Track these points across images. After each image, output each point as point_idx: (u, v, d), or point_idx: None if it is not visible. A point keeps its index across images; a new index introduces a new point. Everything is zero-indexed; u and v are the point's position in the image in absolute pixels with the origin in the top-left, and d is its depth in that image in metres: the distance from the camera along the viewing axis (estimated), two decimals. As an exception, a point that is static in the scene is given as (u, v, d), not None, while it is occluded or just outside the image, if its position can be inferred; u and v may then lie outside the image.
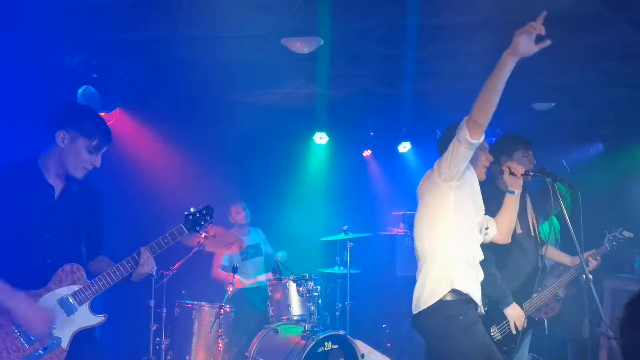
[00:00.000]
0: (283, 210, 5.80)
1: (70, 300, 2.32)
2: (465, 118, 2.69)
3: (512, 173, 2.97)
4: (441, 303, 2.78)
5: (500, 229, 3.10)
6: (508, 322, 3.32)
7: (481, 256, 2.92)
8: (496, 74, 2.56)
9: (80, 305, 2.34)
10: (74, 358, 2.35)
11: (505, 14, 3.36)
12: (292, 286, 4.43)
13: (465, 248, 2.83)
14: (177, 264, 4.29)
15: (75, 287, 2.34)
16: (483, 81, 5.00)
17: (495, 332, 3.33)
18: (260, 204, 5.35)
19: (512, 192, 3.04)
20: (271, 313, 4.49)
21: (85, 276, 2.38)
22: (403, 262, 6.16)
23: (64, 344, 2.30)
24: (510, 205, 3.08)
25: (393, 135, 6.56)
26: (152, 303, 4.37)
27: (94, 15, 3.44)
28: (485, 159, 3.00)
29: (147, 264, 2.46)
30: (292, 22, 3.56)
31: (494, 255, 3.28)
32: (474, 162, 2.90)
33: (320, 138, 6.08)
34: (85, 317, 2.37)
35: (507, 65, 2.52)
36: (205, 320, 4.36)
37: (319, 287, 4.35)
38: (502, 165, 3.37)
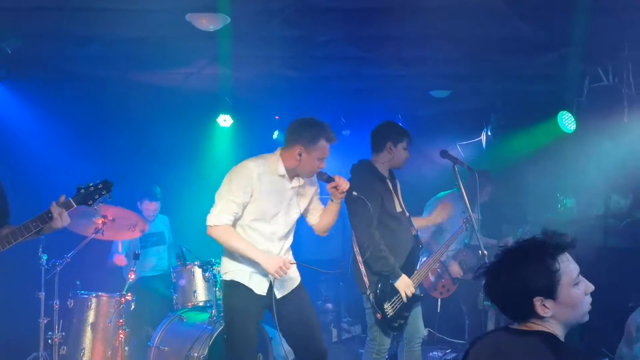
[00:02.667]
0: (187, 194, 5.61)
1: None
2: (211, 224, 3.05)
3: (335, 187, 3.14)
4: None
5: (320, 224, 3.35)
6: (398, 296, 3.49)
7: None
8: (246, 253, 3.03)
9: None
10: None
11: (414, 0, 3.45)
12: (198, 272, 4.32)
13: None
14: (71, 252, 4.00)
15: None
16: (390, 67, 5.15)
17: (388, 308, 3.50)
18: (163, 189, 5.13)
19: (332, 201, 3.25)
20: (176, 300, 4.36)
21: None
22: (310, 245, 6.23)
23: None
24: (331, 210, 3.28)
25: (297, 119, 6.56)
26: (41, 295, 4.04)
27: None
28: (319, 167, 3.14)
29: (62, 217, 2.35)
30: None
31: (383, 235, 3.46)
32: (303, 166, 3.11)
33: (225, 120, 5.94)
34: None
35: (254, 260, 3.02)
36: (104, 310, 4.12)
37: (225, 271, 4.26)
38: (386, 149, 3.62)
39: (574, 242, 1.68)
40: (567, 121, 5.32)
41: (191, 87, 5.43)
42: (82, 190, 2.48)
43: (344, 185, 3.12)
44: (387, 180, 3.65)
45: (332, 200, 3.22)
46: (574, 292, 1.66)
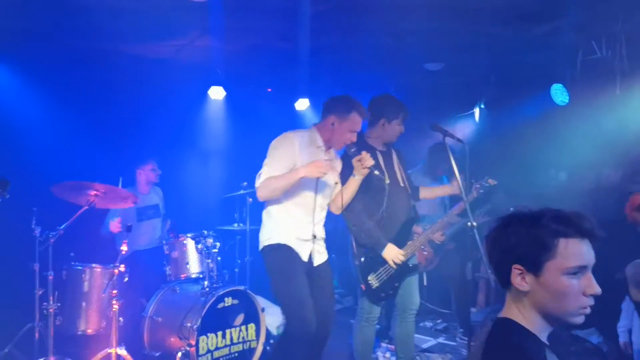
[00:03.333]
0: (179, 167, 5.61)
1: None
2: (257, 185, 3.28)
3: (359, 161, 3.31)
4: None
5: (337, 200, 3.51)
6: (385, 267, 3.54)
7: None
8: (289, 179, 3.17)
9: None
10: None
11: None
12: (190, 243, 4.34)
13: None
14: (64, 224, 4.01)
15: None
16: (383, 37, 5.11)
17: (372, 279, 3.55)
18: (157, 162, 5.12)
19: (354, 176, 3.41)
20: (169, 272, 4.38)
21: None
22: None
23: None
24: (351, 185, 3.45)
25: (290, 91, 6.54)
26: (36, 266, 4.07)
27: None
28: (350, 139, 3.36)
29: None
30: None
31: (365, 207, 3.50)
32: (336, 137, 3.36)
33: (217, 92, 5.90)
34: None
35: (298, 179, 3.16)
36: (98, 282, 4.15)
37: (218, 243, 4.30)
38: (379, 125, 3.66)
39: (592, 233, 1.54)
40: (559, 94, 5.31)
41: (183, 59, 5.38)
42: None
43: (369, 161, 3.29)
44: (378, 153, 3.66)
45: (354, 175, 3.40)
46: (565, 281, 1.51)
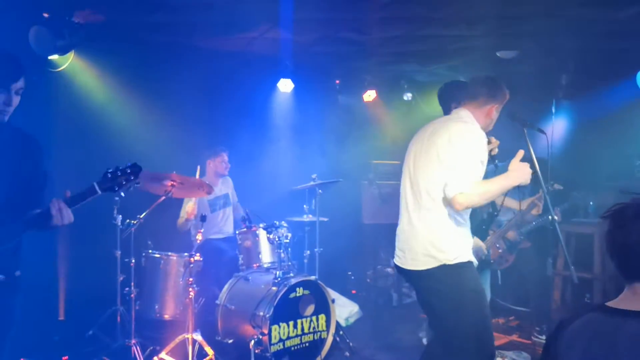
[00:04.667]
0: (249, 158, 5.72)
1: None
2: (461, 191, 2.67)
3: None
4: None
5: None
6: None
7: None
8: (505, 187, 2.79)
9: None
10: None
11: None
12: (263, 234, 4.42)
13: None
14: (144, 213, 4.18)
15: None
16: (453, 29, 4.97)
17: None
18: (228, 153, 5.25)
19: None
20: (241, 261, 4.49)
21: None
22: (368, 210, 6.24)
23: None
24: None
25: (358, 83, 6.51)
26: (118, 253, 4.28)
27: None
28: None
29: (62, 215, 2.18)
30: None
31: None
32: (493, 121, 3.02)
33: (285, 85, 5.96)
34: None
35: (508, 189, 2.84)
36: (174, 269, 4.31)
37: (289, 234, 4.35)
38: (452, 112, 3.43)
39: None
40: (646, 81, 4.99)
41: (253, 51, 5.45)
42: (109, 175, 2.29)
43: (495, 149, 3.14)
44: None
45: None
46: None
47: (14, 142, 2.29)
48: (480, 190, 2.68)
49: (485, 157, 2.82)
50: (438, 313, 2.84)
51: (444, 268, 2.74)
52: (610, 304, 1.58)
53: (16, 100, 2.22)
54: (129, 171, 2.32)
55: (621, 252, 1.59)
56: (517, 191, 4.66)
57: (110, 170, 2.30)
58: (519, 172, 2.76)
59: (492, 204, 3.71)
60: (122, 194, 2.41)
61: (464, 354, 2.75)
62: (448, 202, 2.73)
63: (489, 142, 3.06)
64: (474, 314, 2.73)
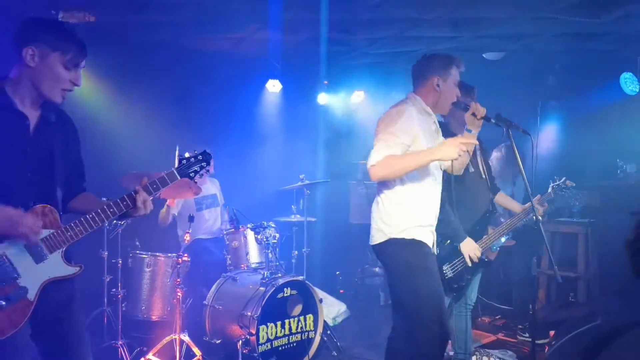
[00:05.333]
0: (237, 159, 5.71)
1: (41, 245, 2.05)
2: (373, 163, 2.77)
3: (473, 114, 3.00)
4: None
5: (456, 163, 3.16)
6: (460, 259, 3.48)
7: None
8: (420, 161, 2.75)
9: (51, 252, 2.07)
10: (42, 314, 2.07)
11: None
12: (250, 234, 4.43)
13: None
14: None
15: (47, 232, 2.06)
16: (440, 31, 5.00)
17: (447, 269, 3.50)
18: (213, 154, 5.22)
19: (470, 131, 3.04)
20: (229, 262, 4.49)
21: (58, 219, 2.11)
22: (356, 210, 6.27)
23: (31, 296, 2.02)
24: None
25: (347, 83, 6.54)
26: (105, 254, 4.26)
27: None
28: (456, 95, 3.04)
29: (146, 205, 2.18)
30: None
31: (447, 195, 3.43)
32: (444, 96, 2.99)
33: (274, 86, 5.97)
34: (57, 267, 2.10)
35: (430, 162, 2.78)
36: (161, 270, 4.31)
37: (277, 234, 4.36)
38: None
39: None
40: (629, 83, 5.07)
41: (242, 52, 5.46)
42: (184, 162, 2.33)
43: (481, 110, 2.97)
44: None
45: (469, 131, 3.03)
46: None
47: (66, 122, 2.29)
48: (391, 162, 2.73)
49: (415, 133, 2.84)
50: (390, 289, 2.97)
51: (391, 242, 2.86)
52: None
53: (80, 80, 2.17)
54: (200, 158, 2.36)
55: None
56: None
57: (183, 158, 2.34)
58: (445, 147, 2.74)
59: (492, 203, 3.73)
60: (195, 181, 2.42)
61: (415, 331, 2.84)
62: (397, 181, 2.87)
63: (467, 108, 3.02)
64: (422, 291, 2.82)
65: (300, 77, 6.24)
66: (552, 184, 3.88)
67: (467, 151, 3.05)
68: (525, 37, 5.00)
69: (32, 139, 2.09)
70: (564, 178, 3.90)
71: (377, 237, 2.94)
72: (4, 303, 1.97)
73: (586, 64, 5.38)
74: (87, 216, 2.13)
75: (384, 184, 2.93)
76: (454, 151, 2.71)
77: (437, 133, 3.10)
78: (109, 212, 2.16)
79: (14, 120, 2.05)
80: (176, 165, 2.34)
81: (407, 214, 2.89)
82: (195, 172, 2.36)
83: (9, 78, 2.08)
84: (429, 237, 2.96)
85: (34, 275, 2.04)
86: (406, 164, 2.74)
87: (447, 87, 2.99)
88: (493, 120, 3.06)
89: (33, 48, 2.03)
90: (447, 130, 3.58)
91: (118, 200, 2.18)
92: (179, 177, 2.31)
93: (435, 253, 3.28)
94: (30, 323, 2.07)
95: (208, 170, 2.42)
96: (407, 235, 2.87)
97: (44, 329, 2.14)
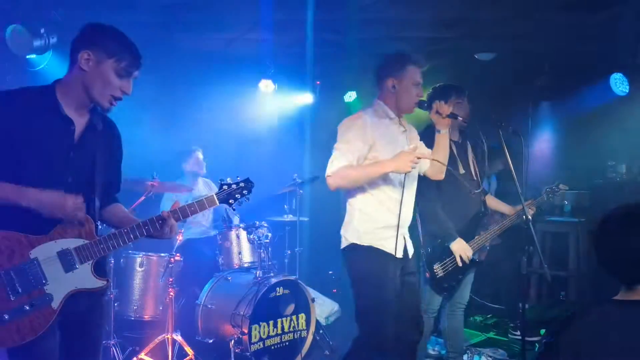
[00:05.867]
0: (230, 159, 5.72)
1: (73, 254, 2.02)
2: (329, 174, 2.85)
3: (438, 112, 3.02)
4: None
5: (434, 167, 3.19)
6: (451, 258, 3.50)
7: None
8: (373, 173, 2.81)
9: (82, 263, 2.03)
10: (65, 324, 2.05)
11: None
12: (243, 234, 4.44)
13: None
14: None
15: (81, 242, 2.04)
16: (431, 31, 5.02)
17: (438, 268, 3.53)
18: (206, 154, 5.24)
19: (439, 131, 3.09)
20: (221, 261, 4.49)
21: (94, 230, 2.09)
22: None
23: (55, 304, 1.98)
24: (440, 143, 3.14)
25: (339, 83, 6.55)
26: (97, 254, 4.25)
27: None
28: (417, 95, 3.01)
29: (172, 230, 2.18)
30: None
31: (439, 195, 3.46)
32: (402, 97, 2.98)
33: (266, 86, 5.97)
34: (85, 278, 2.05)
35: (383, 174, 2.81)
36: (154, 270, 4.30)
37: (269, 234, 4.38)
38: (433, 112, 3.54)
39: None
40: (619, 83, 5.11)
41: (234, 52, 5.47)
42: (226, 187, 2.30)
43: (446, 108, 2.99)
44: (452, 143, 3.49)
45: (438, 131, 3.07)
46: None
47: (111, 130, 2.28)
48: (345, 173, 2.80)
49: (371, 139, 2.86)
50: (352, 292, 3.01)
51: (350, 247, 2.94)
52: (617, 297, 1.69)
53: (130, 89, 2.17)
54: (242, 185, 2.33)
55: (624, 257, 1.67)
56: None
57: (225, 183, 2.33)
58: (397, 161, 2.76)
59: (484, 204, 3.76)
60: (234, 208, 2.40)
61: (362, 333, 2.96)
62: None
63: (430, 107, 3.05)
64: (372, 297, 2.89)
65: (293, 78, 6.25)
66: (546, 189, 3.87)
67: (438, 160, 3.09)
68: (516, 38, 5.03)
69: (76, 145, 2.08)
70: (557, 182, 3.90)
71: (342, 242, 3.01)
72: (28, 308, 1.95)
73: (577, 65, 5.42)
74: (122, 231, 2.11)
75: (347, 191, 2.99)
76: (407, 165, 2.74)
77: (406, 134, 3.09)
78: (143, 230, 2.15)
79: (59, 123, 2.05)
80: (217, 190, 2.31)
81: (363, 221, 2.94)
82: (236, 199, 2.33)
83: (61, 81, 2.10)
84: (390, 244, 2.92)
85: (61, 283, 2.01)
86: (359, 176, 2.82)
87: (403, 88, 2.96)
88: (460, 118, 3.08)
89: (89, 52, 2.04)
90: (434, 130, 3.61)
91: (154, 218, 2.17)
92: (218, 203, 2.29)
93: (423, 254, 3.33)
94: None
95: (248, 199, 2.37)
96: (364, 242, 2.91)
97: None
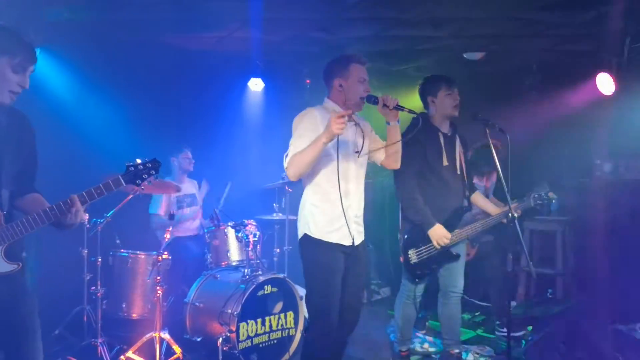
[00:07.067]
0: (219, 158, 5.71)
1: None
2: (286, 166, 3.02)
3: (385, 105, 3.05)
4: None
5: (388, 157, 3.28)
6: (427, 247, 3.55)
7: None
8: (314, 148, 2.85)
9: None
10: None
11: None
12: (231, 232, 4.43)
13: None
14: (111, 211, 4.16)
15: None
16: (420, 30, 5.05)
17: (412, 254, 3.57)
18: (195, 152, 5.23)
19: (389, 123, 3.16)
20: (210, 260, 4.49)
21: (1, 218, 2.19)
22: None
23: None
24: (392, 136, 3.20)
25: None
26: (85, 252, 4.24)
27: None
28: (364, 90, 3.10)
29: (77, 215, 2.25)
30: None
31: (419, 185, 3.51)
32: (349, 95, 3.10)
33: (256, 84, 5.97)
34: None
35: (322, 146, 2.84)
36: (142, 268, 4.30)
37: (258, 232, 4.38)
38: (429, 105, 3.75)
39: None
40: (605, 83, 5.16)
41: (223, 50, 5.45)
42: (132, 169, 2.40)
43: (392, 101, 3.03)
44: (440, 134, 3.69)
45: (388, 124, 3.15)
46: None
47: (19, 123, 2.32)
48: (295, 159, 2.93)
49: (316, 132, 2.92)
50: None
51: (304, 238, 3.10)
52: None
53: (27, 83, 2.23)
54: (149, 166, 2.44)
55: None
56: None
57: (132, 164, 2.42)
58: (327, 127, 2.81)
59: (468, 200, 3.80)
60: (142, 187, 2.49)
61: (311, 320, 3.17)
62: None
63: (376, 102, 3.05)
64: (319, 287, 3.04)
65: (283, 76, 6.25)
66: (533, 195, 3.82)
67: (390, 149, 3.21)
68: (503, 37, 5.07)
69: None
70: (547, 189, 3.83)
71: (299, 233, 3.17)
72: None
73: (563, 64, 5.47)
74: (30, 217, 2.20)
75: (302, 185, 3.16)
76: (335, 127, 2.76)
77: (358, 127, 3.19)
78: (50, 214, 2.23)
79: None
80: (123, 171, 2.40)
81: (312, 213, 3.08)
82: (142, 179, 2.43)
83: None
84: (338, 234, 3.05)
85: None
86: (305, 156, 2.90)
87: (350, 85, 3.10)
88: (406, 109, 3.11)
89: None
90: (429, 122, 3.67)
91: (61, 203, 2.25)
92: (124, 184, 2.38)
93: (400, 239, 3.49)
94: None
95: (157, 178, 2.49)
96: (314, 235, 3.06)
97: None
